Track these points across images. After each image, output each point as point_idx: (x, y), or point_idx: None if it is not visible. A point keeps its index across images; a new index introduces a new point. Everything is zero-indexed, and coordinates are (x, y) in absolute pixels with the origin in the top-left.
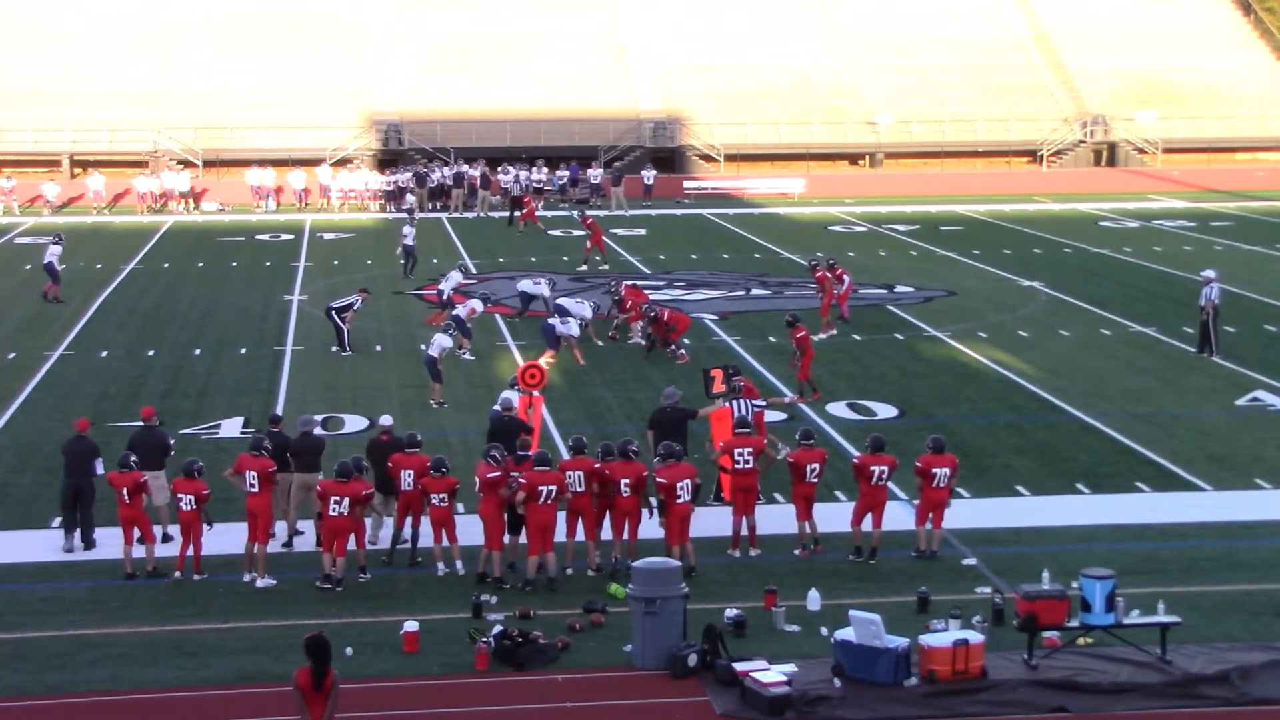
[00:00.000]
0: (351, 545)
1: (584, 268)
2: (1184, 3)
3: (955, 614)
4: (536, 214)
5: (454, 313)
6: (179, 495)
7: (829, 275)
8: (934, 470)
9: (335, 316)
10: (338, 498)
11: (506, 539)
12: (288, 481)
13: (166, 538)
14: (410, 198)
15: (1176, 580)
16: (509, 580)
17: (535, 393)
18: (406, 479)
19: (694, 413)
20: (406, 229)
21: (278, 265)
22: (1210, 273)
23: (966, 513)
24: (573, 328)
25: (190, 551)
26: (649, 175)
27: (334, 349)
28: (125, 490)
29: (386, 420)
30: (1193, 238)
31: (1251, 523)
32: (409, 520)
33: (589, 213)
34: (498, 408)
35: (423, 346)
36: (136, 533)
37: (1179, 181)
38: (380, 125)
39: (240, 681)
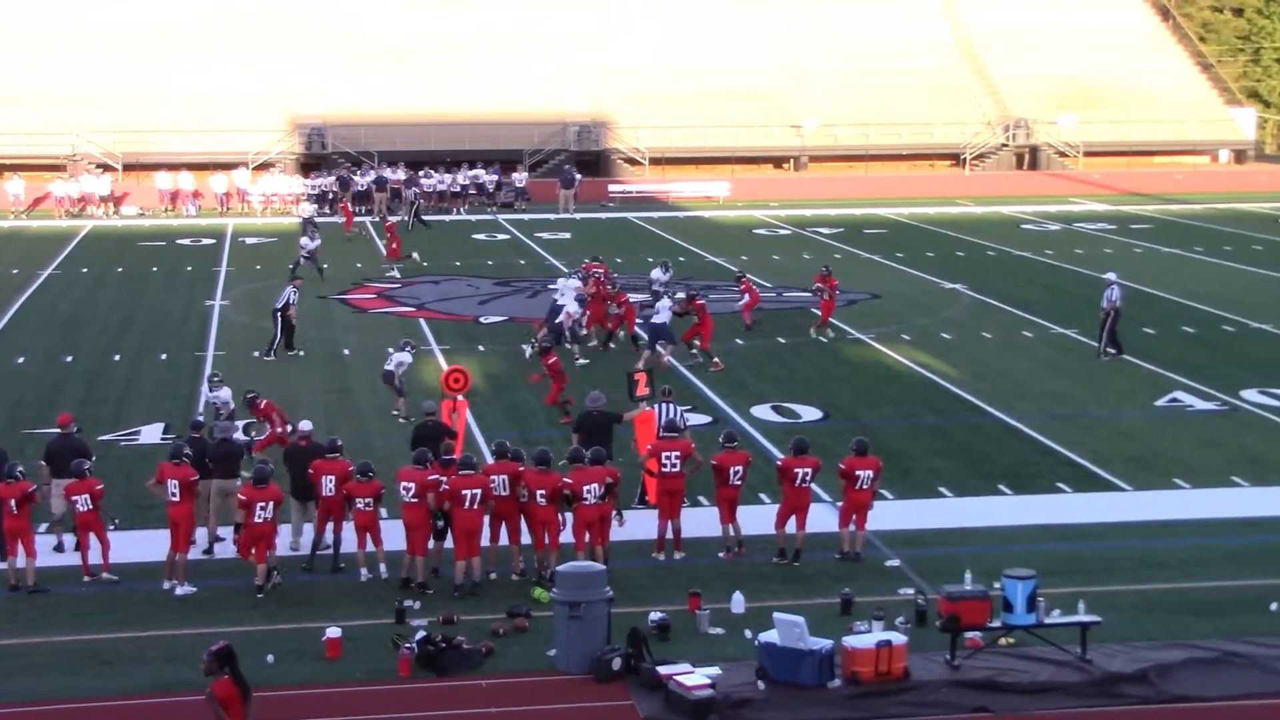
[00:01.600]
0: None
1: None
2: (1104, 8)
3: (878, 615)
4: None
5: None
6: (73, 498)
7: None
8: (857, 472)
9: (280, 316)
10: (262, 503)
11: (431, 544)
12: (207, 488)
13: (59, 548)
14: (309, 206)
15: (1097, 580)
16: (432, 586)
17: (459, 397)
18: (327, 484)
19: (619, 417)
20: (304, 240)
21: (199, 270)
22: (1111, 275)
23: (890, 514)
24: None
25: (95, 554)
26: (520, 178)
27: (290, 352)
28: (13, 501)
29: (306, 425)
30: (1113, 240)
31: (1170, 522)
32: (330, 526)
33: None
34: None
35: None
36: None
37: (1099, 185)
38: (303, 129)
39: (159, 691)
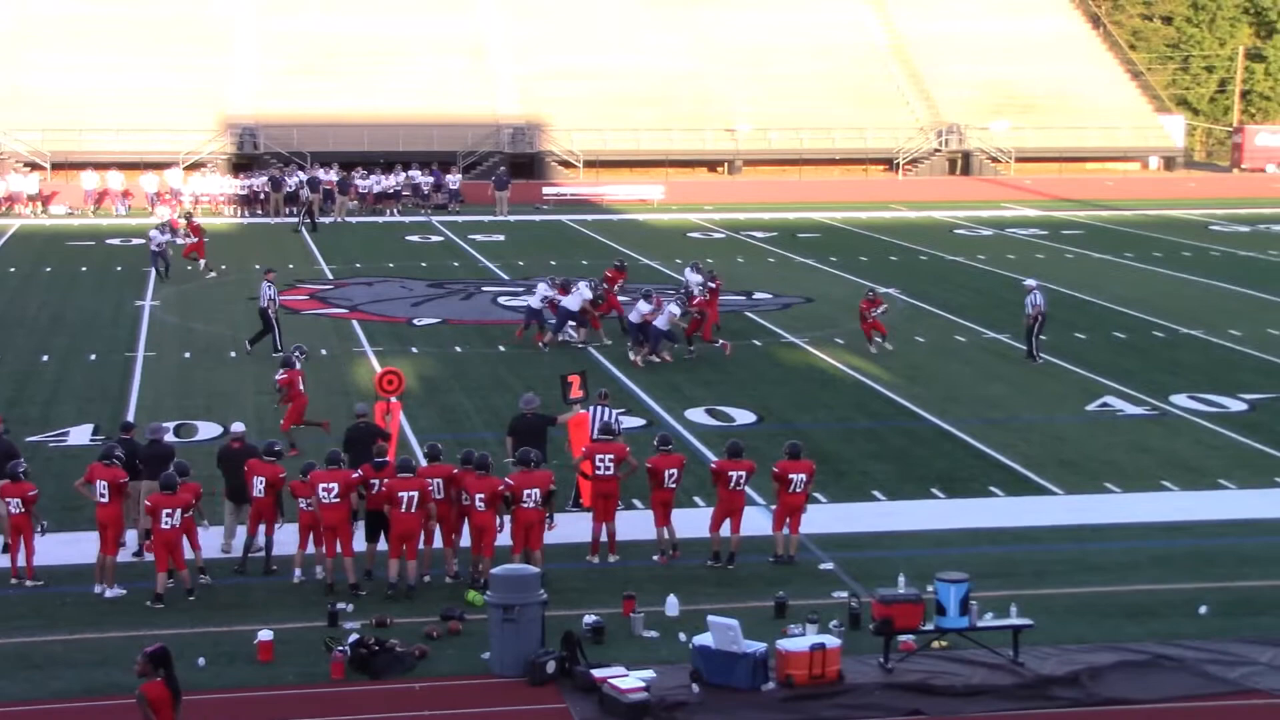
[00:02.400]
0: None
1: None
2: (1036, 15)
3: (813, 618)
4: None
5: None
6: (6, 500)
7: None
8: (790, 475)
9: (266, 315)
10: (169, 510)
11: (365, 545)
12: (137, 490)
13: None
14: (165, 210)
15: (1029, 583)
16: (365, 588)
17: (393, 399)
18: (258, 486)
19: (553, 419)
20: (154, 232)
21: (129, 270)
22: (1031, 281)
23: (824, 517)
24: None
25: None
26: (454, 180)
27: (249, 350)
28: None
29: (238, 427)
30: (1045, 246)
31: (1101, 526)
32: (262, 528)
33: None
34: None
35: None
36: None
37: (1031, 190)
38: (235, 129)
39: (89, 694)
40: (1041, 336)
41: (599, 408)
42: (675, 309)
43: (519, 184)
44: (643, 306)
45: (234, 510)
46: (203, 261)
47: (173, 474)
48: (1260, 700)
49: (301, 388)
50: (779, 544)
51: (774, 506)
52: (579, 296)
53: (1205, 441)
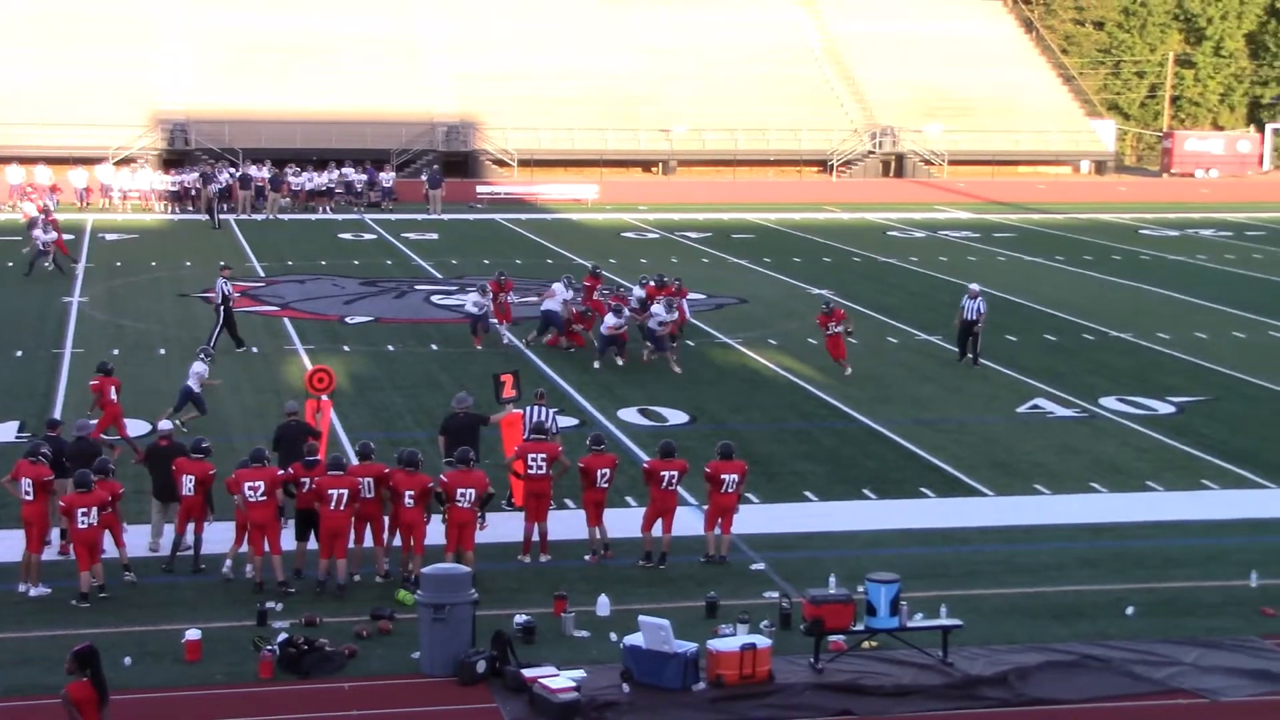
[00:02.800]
0: (113, 551)
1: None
2: (969, 19)
3: (743, 618)
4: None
5: None
6: None
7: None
8: (722, 476)
9: (222, 310)
10: (84, 509)
11: (295, 544)
12: (64, 488)
13: None
14: (36, 204)
15: (959, 584)
16: (294, 586)
17: (324, 397)
18: (187, 484)
19: (486, 419)
20: (37, 232)
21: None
22: (975, 286)
23: (755, 518)
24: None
25: None
26: (388, 178)
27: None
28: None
29: (165, 425)
30: (977, 248)
31: (1031, 527)
32: (191, 527)
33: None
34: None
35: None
36: None
37: (964, 193)
38: (166, 124)
39: (11, 694)
40: (979, 343)
41: (534, 407)
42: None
43: (453, 183)
44: (610, 319)
45: (161, 509)
46: (57, 258)
47: (87, 472)
48: (1185, 700)
49: (114, 397)
50: (710, 544)
51: (706, 507)
52: (559, 298)
53: (1133, 444)
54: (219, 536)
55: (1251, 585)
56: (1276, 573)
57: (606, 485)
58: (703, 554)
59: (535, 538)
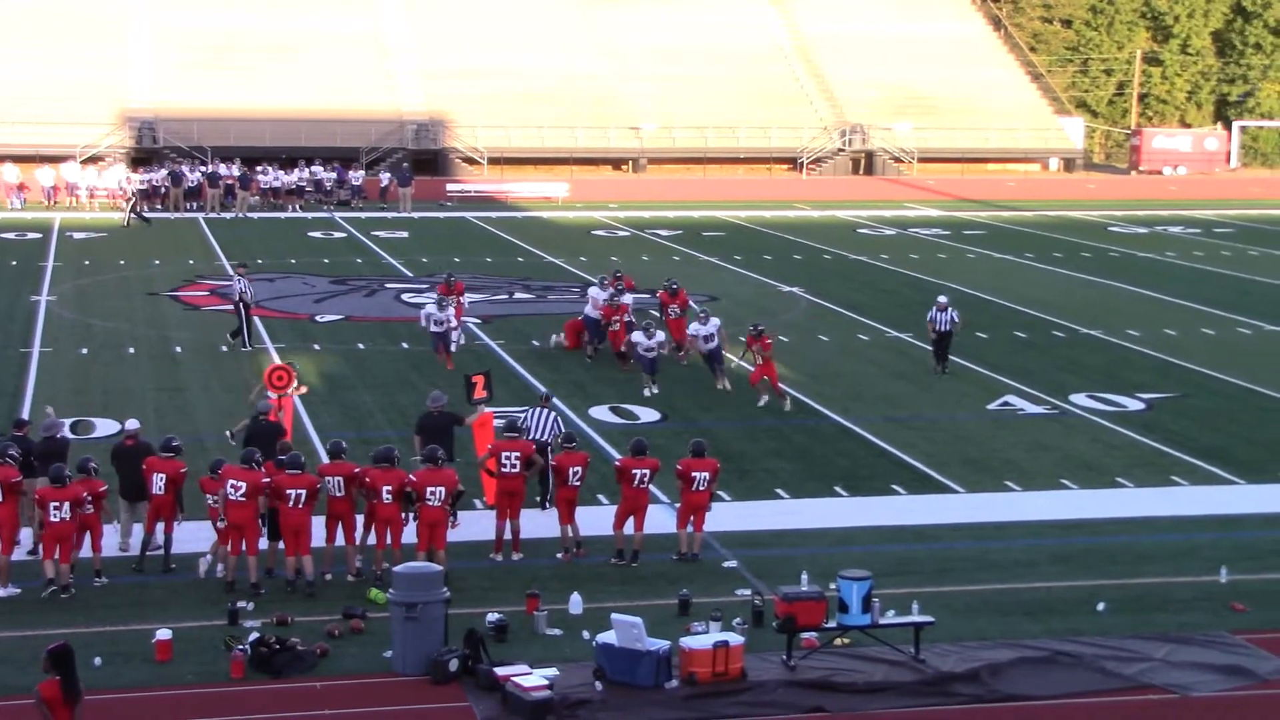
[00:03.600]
0: (88, 551)
1: None
2: (938, 18)
3: (716, 616)
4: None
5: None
6: None
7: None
8: (694, 474)
9: (240, 306)
10: (57, 503)
11: (265, 544)
12: (32, 487)
13: None
14: None
15: (930, 581)
16: (265, 586)
17: (285, 394)
18: (158, 483)
19: (460, 418)
20: None
21: (24, 265)
22: (944, 299)
23: (727, 515)
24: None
25: None
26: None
27: (234, 341)
28: None
29: (133, 424)
30: (947, 245)
31: (1002, 524)
32: (160, 526)
33: None
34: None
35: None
36: None
37: (934, 190)
38: (134, 123)
39: None
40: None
41: (541, 410)
42: (656, 336)
43: (423, 181)
44: (639, 338)
45: (129, 508)
46: None
47: (62, 466)
48: (1156, 695)
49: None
50: (683, 542)
51: (678, 504)
52: (598, 302)
53: (1104, 440)
54: (189, 536)
55: (1221, 581)
56: (1246, 568)
57: (578, 483)
58: (675, 551)
59: (507, 536)
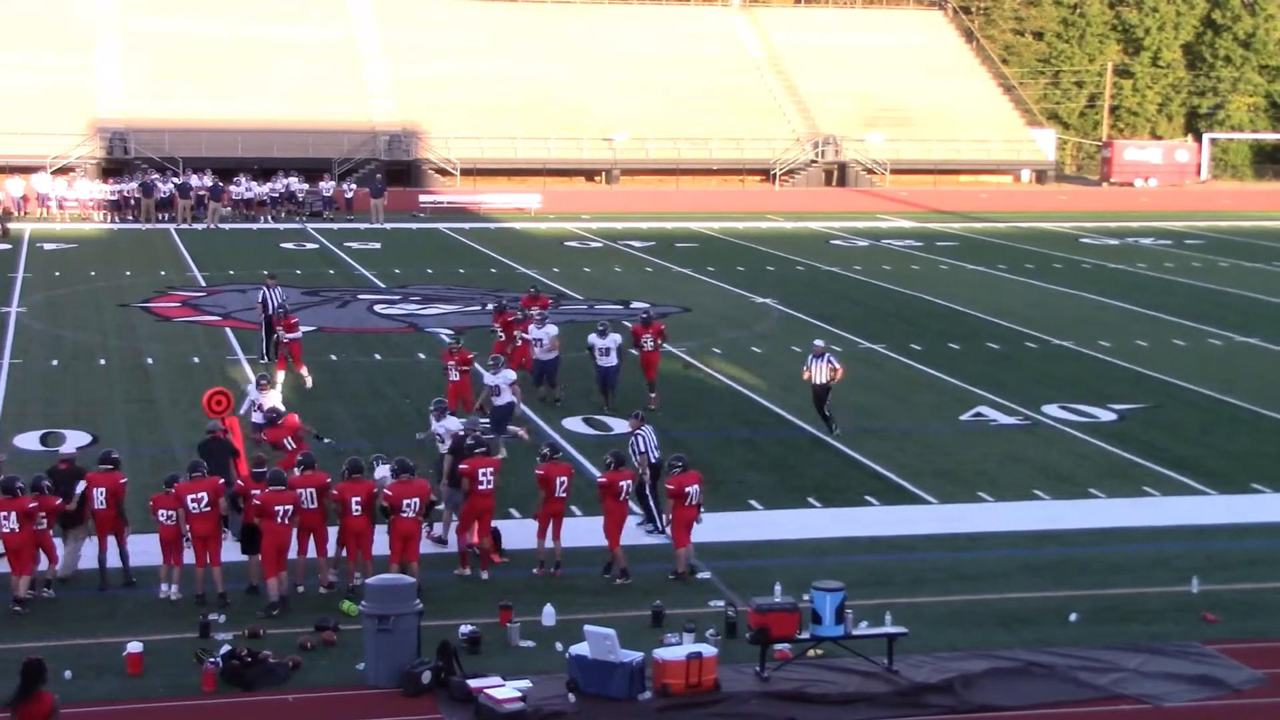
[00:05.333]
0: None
1: None
2: (910, 29)
3: (689, 627)
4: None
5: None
6: None
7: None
8: (687, 489)
9: (267, 319)
10: (4, 514)
11: (245, 558)
12: None
13: None
14: None
15: (904, 592)
16: (230, 598)
17: (224, 418)
18: (99, 498)
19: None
20: None
21: None
22: (820, 343)
23: (701, 527)
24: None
25: None
26: (349, 189)
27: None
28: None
29: (68, 449)
30: (920, 257)
31: (975, 534)
32: (112, 540)
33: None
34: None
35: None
36: None
37: (906, 202)
38: (105, 133)
39: None
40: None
41: (641, 431)
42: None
43: (396, 191)
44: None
45: (62, 534)
46: None
47: (13, 478)
48: (1128, 706)
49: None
50: (681, 560)
51: (669, 520)
52: (535, 343)
53: (1076, 451)
54: (141, 548)
55: (1193, 591)
56: (1218, 579)
57: (565, 495)
58: (672, 570)
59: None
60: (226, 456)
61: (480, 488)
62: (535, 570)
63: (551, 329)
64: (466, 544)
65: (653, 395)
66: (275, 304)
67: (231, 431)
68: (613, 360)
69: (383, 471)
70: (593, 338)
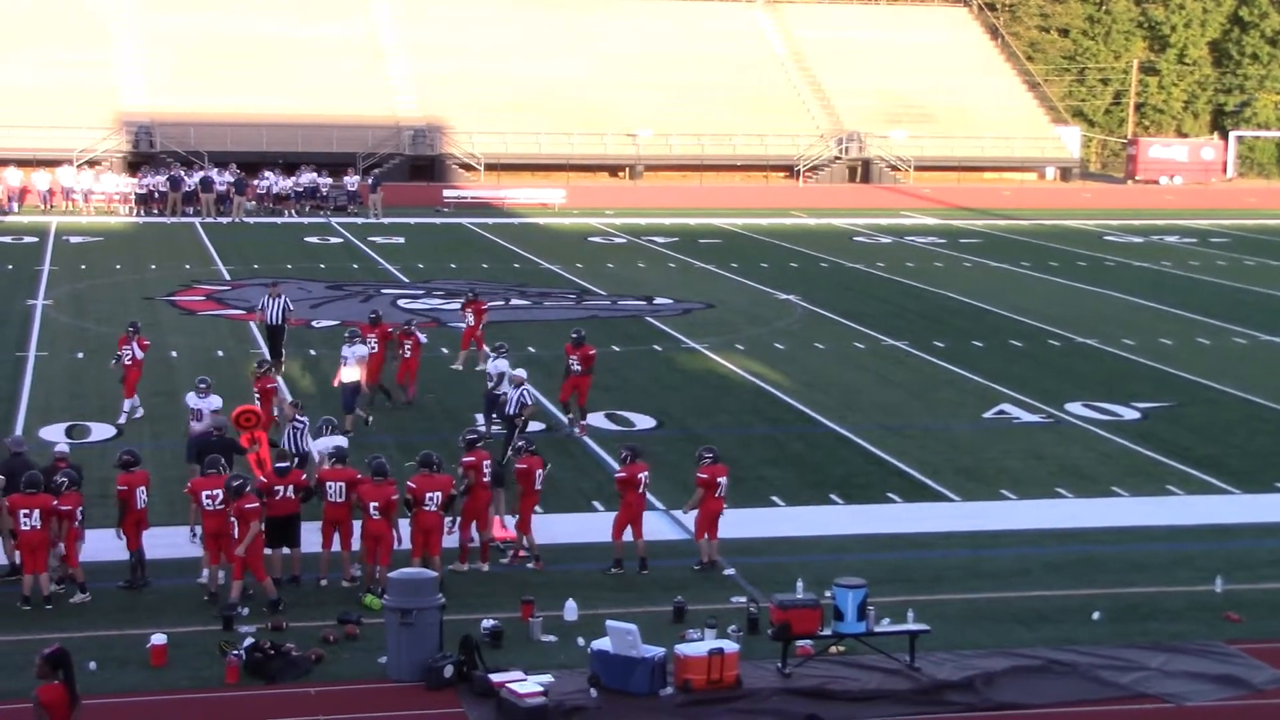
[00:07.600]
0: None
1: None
2: (935, 26)
3: (711, 623)
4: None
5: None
6: None
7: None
8: (719, 480)
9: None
10: (26, 511)
11: (269, 551)
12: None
13: None
14: None
15: (925, 589)
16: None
17: (254, 431)
18: (141, 497)
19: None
20: None
21: (20, 269)
22: (522, 373)
23: (723, 523)
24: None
25: None
26: (352, 182)
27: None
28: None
29: (62, 448)
30: (943, 254)
31: (997, 532)
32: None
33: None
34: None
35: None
36: None
37: (930, 199)
38: (130, 127)
39: None
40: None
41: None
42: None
43: (419, 186)
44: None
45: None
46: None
47: (36, 474)
48: (1151, 705)
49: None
50: (704, 551)
51: (694, 512)
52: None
53: (1098, 449)
54: (159, 541)
55: (1216, 590)
56: (1240, 578)
57: (539, 488)
58: (696, 561)
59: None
60: (229, 454)
61: (484, 480)
62: (504, 560)
63: (361, 349)
64: (470, 538)
65: (582, 423)
66: (275, 316)
67: (260, 444)
68: (494, 386)
69: (324, 444)
70: (491, 365)
